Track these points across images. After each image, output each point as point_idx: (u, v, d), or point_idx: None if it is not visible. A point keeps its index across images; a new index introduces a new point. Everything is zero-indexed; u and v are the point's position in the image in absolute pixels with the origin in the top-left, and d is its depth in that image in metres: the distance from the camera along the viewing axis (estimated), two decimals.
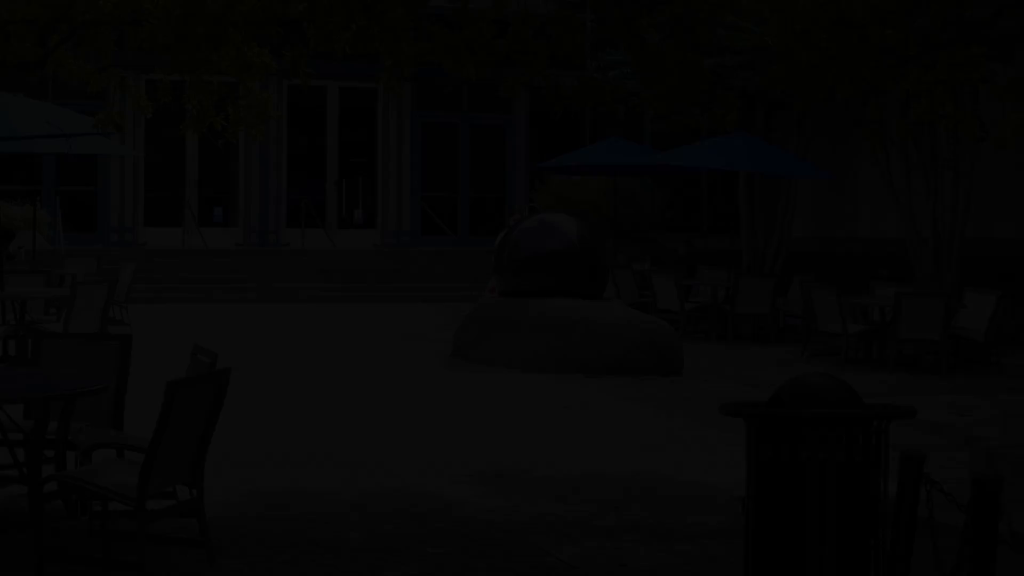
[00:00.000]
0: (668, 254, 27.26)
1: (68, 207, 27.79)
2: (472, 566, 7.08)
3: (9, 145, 15.04)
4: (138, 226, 27.58)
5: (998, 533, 4.60)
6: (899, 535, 4.83)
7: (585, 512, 8.37)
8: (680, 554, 7.48)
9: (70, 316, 14.01)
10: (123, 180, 27.40)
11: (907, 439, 10.83)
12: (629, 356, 14.99)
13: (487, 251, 26.55)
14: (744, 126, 23.79)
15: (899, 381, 15.57)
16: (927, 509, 4.91)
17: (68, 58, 9.73)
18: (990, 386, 15.43)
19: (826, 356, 17.52)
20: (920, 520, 5.02)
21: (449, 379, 14.24)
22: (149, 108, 9.76)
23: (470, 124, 29.93)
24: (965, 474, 7.38)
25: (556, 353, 15.01)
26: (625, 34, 8.25)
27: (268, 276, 25.50)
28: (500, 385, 13.86)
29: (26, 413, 7.84)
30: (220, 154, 28.86)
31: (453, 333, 16.92)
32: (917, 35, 8.73)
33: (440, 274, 26.50)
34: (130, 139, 27.12)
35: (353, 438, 10.60)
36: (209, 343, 17.20)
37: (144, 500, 6.38)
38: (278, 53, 9.36)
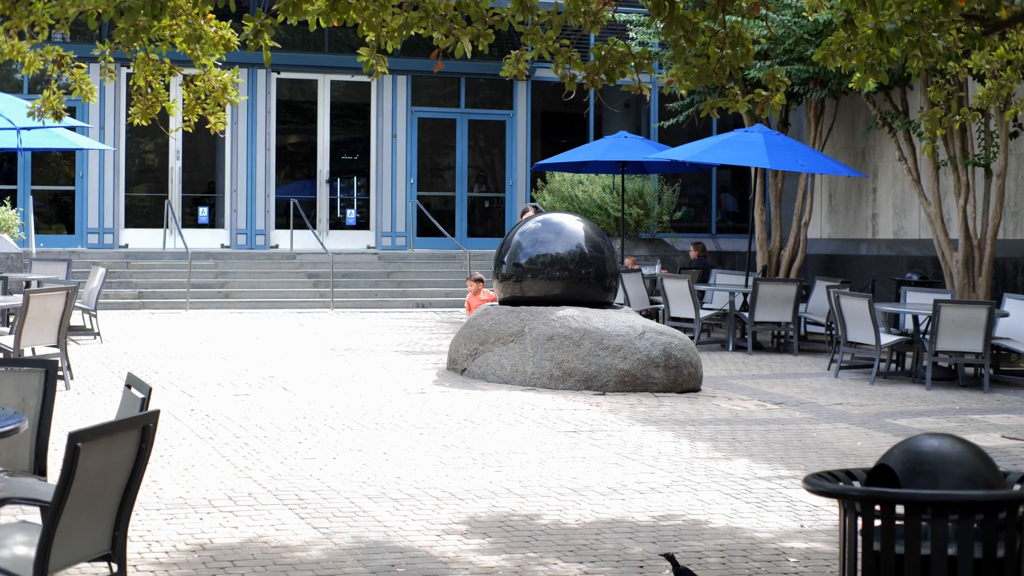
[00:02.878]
0: (678, 257, 25.84)
1: (44, 207, 26.37)
2: None
3: None
4: (118, 227, 26.13)
5: None
6: None
7: (603, 573, 6.95)
8: None
9: (22, 328, 12.58)
10: (102, 179, 25.94)
11: None
12: (643, 371, 13.57)
13: (486, 254, 25.13)
14: (757, 121, 22.44)
15: (939, 398, 14.18)
16: None
17: None
18: None
19: (856, 369, 16.11)
20: None
21: (442, 399, 12.81)
22: (93, 92, 8.34)
23: (468, 120, 28.49)
24: None
25: (562, 368, 13.59)
26: None
27: (253, 281, 24.05)
28: (499, 405, 12.44)
29: None
30: (205, 151, 27.46)
31: (448, 344, 15.51)
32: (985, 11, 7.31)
33: (436, 279, 25.05)
34: (110, 135, 25.72)
35: (330, 474, 9.18)
36: (183, 356, 15.84)
37: None
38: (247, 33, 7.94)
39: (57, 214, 26.59)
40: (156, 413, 5.41)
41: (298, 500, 8.36)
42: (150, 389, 6.14)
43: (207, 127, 8.25)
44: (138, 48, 7.47)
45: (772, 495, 9.00)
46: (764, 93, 7.46)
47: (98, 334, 17.38)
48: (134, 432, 5.27)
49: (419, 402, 12.54)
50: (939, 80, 9.04)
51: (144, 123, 8.16)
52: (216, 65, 7.89)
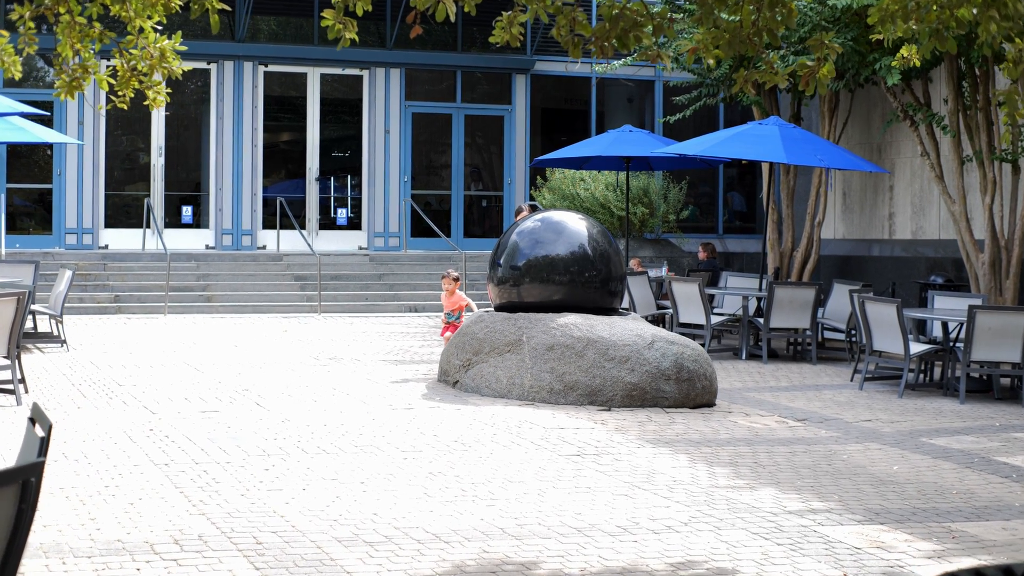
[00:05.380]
0: (685, 258, 24.64)
1: (29, 207, 25.14)
2: None
3: None
4: (98, 227, 24.88)
5: None
6: None
7: None
8: None
9: None
10: (81, 176, 24.69)
11: (1014, 498, 8.26)
12: (652, 385, 12.35)
13: (483, 255, 23.92)
14: (768, 114, 21.27)
15: (975, 413, 12.98)
16: None
17: None
18: None
19: (881, 380, 14.91)
20: None
21: (431, 416, 11.59)
22: (17, 64, 7.12)
23: (465, 115, 27.25)
24: None
25: (563, 381, 12.38)
26: None
27: (237, 283, 22.83)
28: (493, 424, 11.22)
29: None
30: (191, 148, 26.25)
31: (440, 352, 14.29)
32: None
33: (430, 281, 23.82)
34: (89, 130, 24.48)
35: (296, 510, 7.95)
36: (152, 366, 14.60)
37: None
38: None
39: (37, 213, 25.36)
40: (40, 464, 4.19)
41: (255, 544, 7.14)
42: (50, 426, 4.92)
43: (145, 103, 7.02)
44: (63, 11, 6.29)
45: (806, 534, 7.78)
46: (809, 63, 6.23)
47: (64, 341, 16.18)
48: (10, 490, 4.05)
49: (405, 420, 11.32)
50: (1014, 55, 7.77)
51: (70, 99, 6.95)
52: (155, 30, 6.67)
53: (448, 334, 15.05)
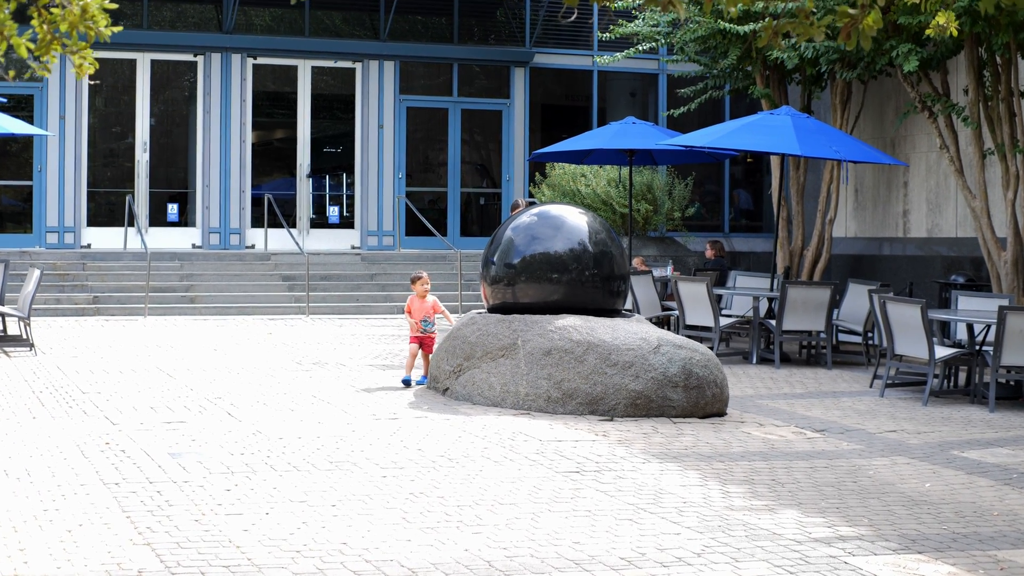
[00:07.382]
0: (690, 257, 23.67)
1: (16, 205, 24.19)
2: None
3: None
4: (80, 226, 23.91)
5: None
6: None
7: None
8: None
9: None
10: (63, 172, 23.72)
11: None
12: (658, 392, 11.38)
13: (480, 254, 22.96)
14: (777, 107, 20.32)
15: (1007, 423, 12.03)
16: None
17: None
18: None
19: (902, 387, 13.93)
20: None
21: (416, 427, 10.62)
22: None
23: (462, 110, 26.28)
24: None
25: (561, 388, 11.41)
26: None
27: (222, 284, 21.86)
28: (484, 435, 10.26)
29: None
30: (178, 143, 25.29)
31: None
32: None
33: None
34: (71, 125, 23.52)
35: (255, 538, 6.99)
36: (123, 371, 13.60)
37: None
38: None
39: (18, 211, 24.40)
40: None
41: None
42: None
43: (72, 71, 6.04)
44: None
45: (836, 566, 6.82)
46: (852, 12, 5.26)
47: (32, 345, 15.23)
48: None
49: (388, 431, 10.35)
50: None
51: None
52: None
53: (414, 347, 13.24)
